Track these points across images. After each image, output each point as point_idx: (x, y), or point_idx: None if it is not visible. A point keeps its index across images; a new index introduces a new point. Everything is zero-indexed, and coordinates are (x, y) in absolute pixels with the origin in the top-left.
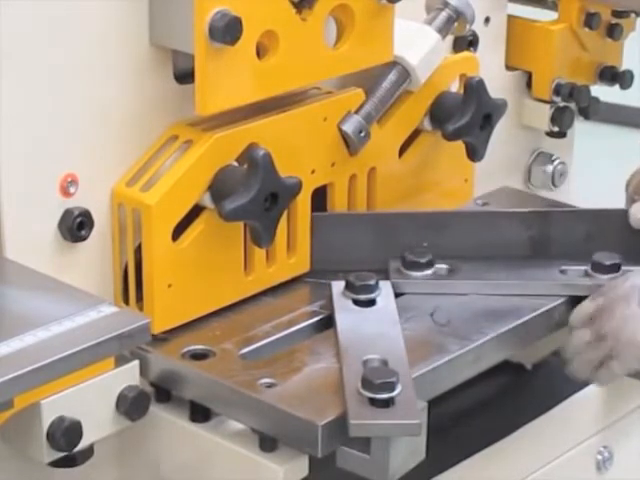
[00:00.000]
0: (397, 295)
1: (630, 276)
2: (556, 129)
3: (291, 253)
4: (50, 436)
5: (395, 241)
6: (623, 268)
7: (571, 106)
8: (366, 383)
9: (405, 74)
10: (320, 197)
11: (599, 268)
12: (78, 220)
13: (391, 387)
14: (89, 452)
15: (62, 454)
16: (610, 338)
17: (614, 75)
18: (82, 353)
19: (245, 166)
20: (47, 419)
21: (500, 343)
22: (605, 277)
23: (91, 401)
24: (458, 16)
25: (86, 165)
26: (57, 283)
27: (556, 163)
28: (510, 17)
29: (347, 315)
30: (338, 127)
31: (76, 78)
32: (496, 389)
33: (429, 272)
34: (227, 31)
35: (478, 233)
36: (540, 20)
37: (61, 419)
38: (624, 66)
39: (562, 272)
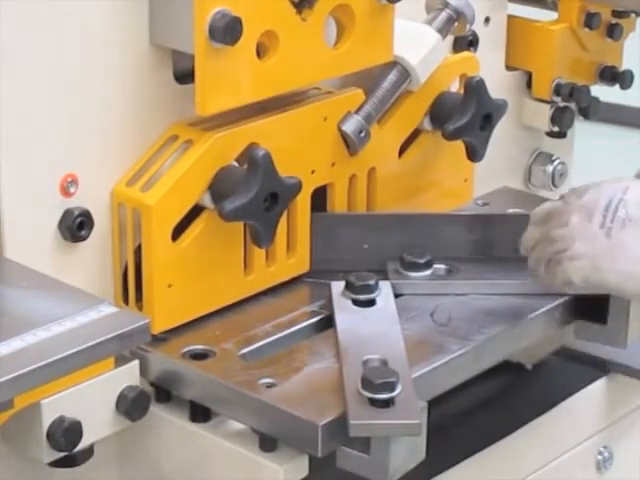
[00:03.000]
0: (396, 296)
1: (601, 189)
2: (556, 129)
3: (291, 253)
4: (50, 436)
5: (393, 242)
6: None
7: (571, 106)
8: (366, 383)
9: (405, 74)
10: (320, 197)
11: None
12: (78, 220)
13: (391, 387)
14: (89, 452)
15: (62, 454)
16: (558, 244)
17: (614, 75)
18: (82, 353)
19: (245, 166)
20: (47, 419)
21: (500, 343)
22: None
23: (91, 401)
24: (458, 16)
25: (86, 165)
26: (57, 283)
27: (556, 163)
28: (510, 17)
29: (347, 315)
30: (338, 127)
31: (76, 78)
32: (496, 389)
33: (428, 272)
34: (227, 31)
35: (476, 234)
36: (540, 20)
37: (61, 419)
38: (624, 66)
39: None
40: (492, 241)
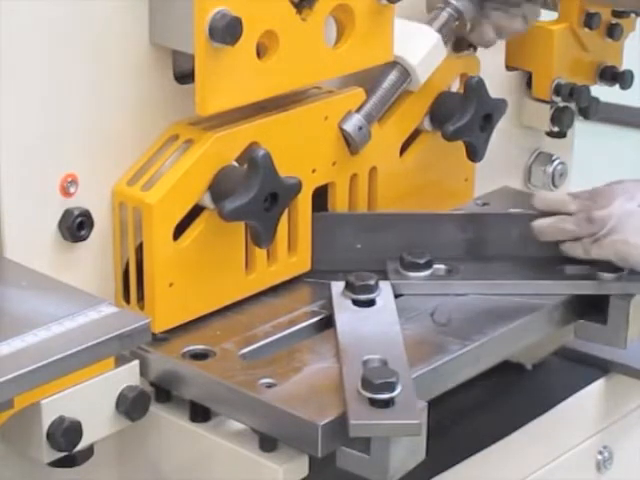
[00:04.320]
0: (396, 296)
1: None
2: (556, 129)
3: (292, 252)
4: (50, 436)
5: (393, 242)
6: None
7: (571, 106)
8: (366, 383)
9: (405, 74)
10: (321, 196)
11: (603, 266)
12: (78, 220)
13: (391, 387)
14: (89, 452)
15: (62, 454)
16: (597, 225)
17: (614, 75)
18: (82, 353)
19: (245, 166)
20: (47, 419)
21: (500, 343)
22: (610, 276)
23: (91, 401)
24: (458, 16)
25: (86, 165)
26: (57, 283)
27: (556, 163)
28: None
29: (347, 315)
30: (339, 126)
31: (76, 78)
32: (496, 389)
33: (427, 273)
34: (227, 31)
35: (476, 234)
36: (540, 20)
37: (61, 419)
38: (624, 66)
39: (562, 271)
40: (492, 241)
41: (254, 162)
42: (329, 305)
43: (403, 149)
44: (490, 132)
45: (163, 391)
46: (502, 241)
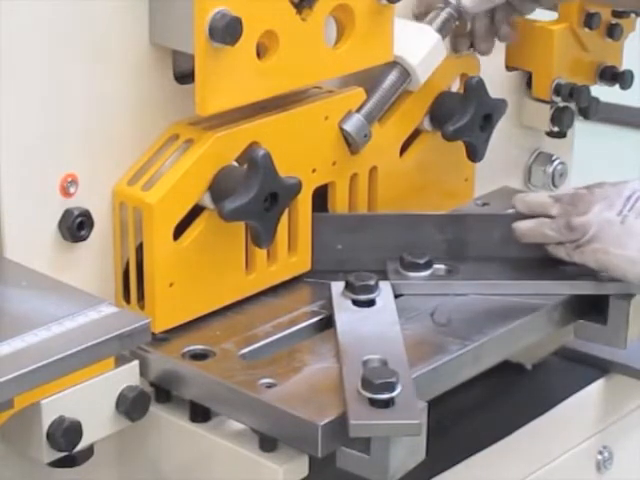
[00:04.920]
0: (396, 296)
1: (626, 183)
2: (556, 129)
3: (292, 252)
4: (50, 436)
5: (392, 242)
6: None
7: (571, 106)
8: (366, 383)
9: (405, 74)
10: (321, 196)
11: None
12: (78, 220)
13: (391, 387)
14: (89, 452)
15: (62, 454)
16: (577, 233)
17: (614, 75)
18: (82, 353)
19: (245, 166)
20: (47, 419)
21: (500, 343)
22: (610, 275)
23: (91, 401)
24: (458, 16)
25: (86, 165)
26: (57, 283)
27: (556, 163)
28: None
29: (347, 315)
30: (339, 126)
31: (76, 78)
32: (496, 389)
33: (427, 273)
34: (227, 31)
35: (477, 234)
36: (540, 20)
37: (61, 419)
38: (624, 66)
39: (561, 271)
40: (491, 241)
41: (254, 162)
42: (329, 305)
43: (403, 149)
44: (490, 132)
45: (163, 391)
46: (502, 242)
